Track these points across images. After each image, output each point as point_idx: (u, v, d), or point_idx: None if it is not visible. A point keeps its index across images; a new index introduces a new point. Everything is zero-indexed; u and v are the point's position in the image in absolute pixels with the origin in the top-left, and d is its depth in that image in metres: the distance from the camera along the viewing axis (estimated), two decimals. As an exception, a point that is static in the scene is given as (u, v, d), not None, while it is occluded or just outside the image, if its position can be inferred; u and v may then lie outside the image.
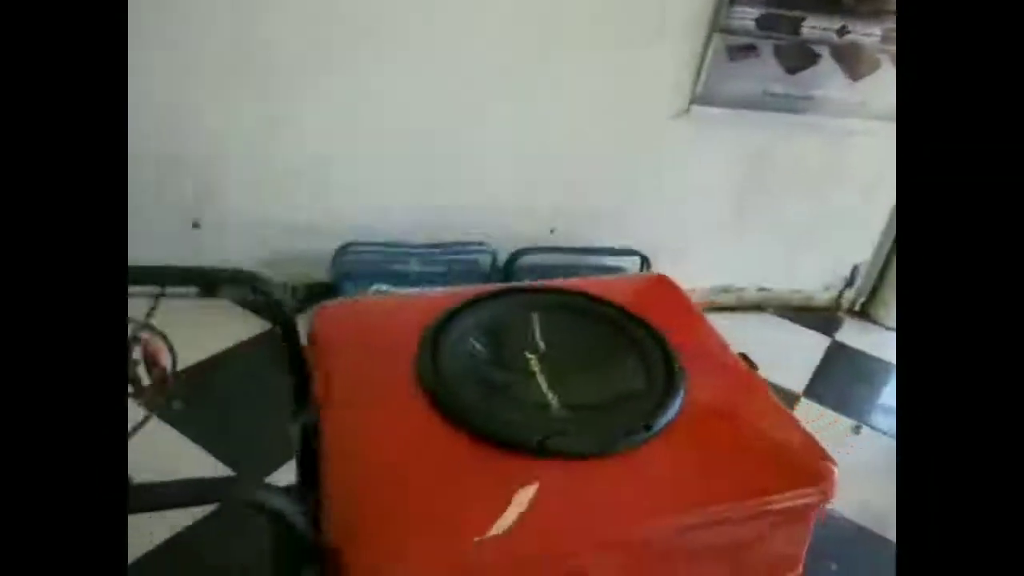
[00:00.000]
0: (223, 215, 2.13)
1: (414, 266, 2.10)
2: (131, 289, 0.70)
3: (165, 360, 1.03)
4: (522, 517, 0.75)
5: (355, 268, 2.07)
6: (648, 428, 0.83)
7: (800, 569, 0.92)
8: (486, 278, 2.17)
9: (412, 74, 1.99)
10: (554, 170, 2.23)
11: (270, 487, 0.72)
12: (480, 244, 2.20)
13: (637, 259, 2.31)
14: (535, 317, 1.01)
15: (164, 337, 1.08)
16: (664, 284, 1.19)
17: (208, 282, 0.91)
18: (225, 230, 2.15)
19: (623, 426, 0.84)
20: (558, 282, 1.11)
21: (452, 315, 0.97)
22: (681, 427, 0.86)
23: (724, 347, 1.04)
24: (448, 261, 2.16)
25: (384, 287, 2.04)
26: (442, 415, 0.84)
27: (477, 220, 2.22)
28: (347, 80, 1.98)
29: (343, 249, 2.07)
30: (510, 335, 0.99)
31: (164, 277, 0.93)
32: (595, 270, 2.28)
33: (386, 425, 0.86)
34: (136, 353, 0.96)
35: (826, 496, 0.85)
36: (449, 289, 1.12)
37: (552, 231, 2.34)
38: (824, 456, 0.87)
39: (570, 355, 0.97)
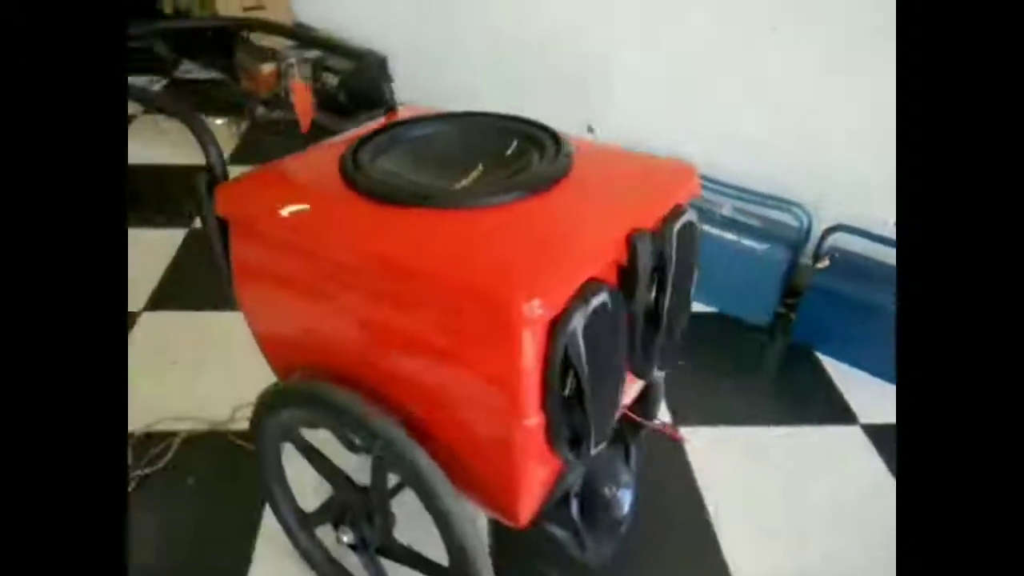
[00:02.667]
0: (612, 124, 2.49)
1: (726, 209, 2.08)
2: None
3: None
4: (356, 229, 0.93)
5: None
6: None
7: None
8: (793, 246, 1.98)
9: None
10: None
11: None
12: (796, 204, 2.00)
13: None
14: (453, 130, 1.15)
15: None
16: (678, 172, 1.08)
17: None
18: (609, 137, 2.51)
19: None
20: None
21: (381, 129, 1.13)
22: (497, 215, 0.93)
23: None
24: (762, 216, 2.05)
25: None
26: (361, 193, 0.98)
27: (804, 181, 2.02)
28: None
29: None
30: (428, 143, 1.13)
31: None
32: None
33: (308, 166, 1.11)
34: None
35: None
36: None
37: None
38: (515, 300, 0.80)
39: (474, 153, 1.08)
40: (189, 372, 1.76)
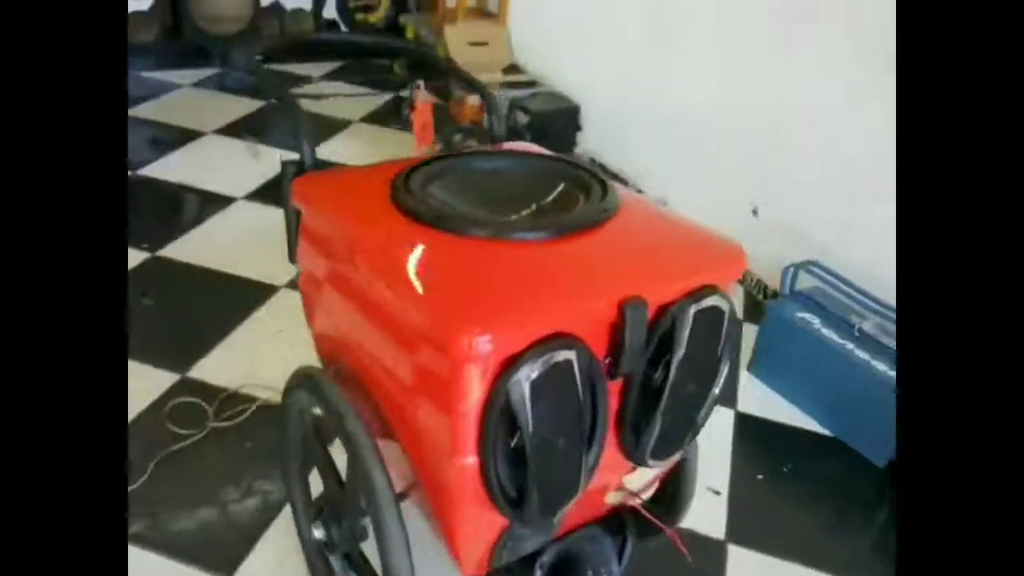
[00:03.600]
0: (775, 207, 2.34)
1: (868, 326, 1.85)
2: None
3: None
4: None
5: (811, 289, 1.99)
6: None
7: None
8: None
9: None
10: None
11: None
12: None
13: None
14: (501, 164, 1.17)
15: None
16: (720, 251, 0.99)
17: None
18: (773, 222, 2.36)
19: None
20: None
21: (423, 161, 1.14)
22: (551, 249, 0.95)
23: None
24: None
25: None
26: (396, 207, 1.01)
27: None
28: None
29: (808, 264, 2.00)
30: (481, 175, 1.15)
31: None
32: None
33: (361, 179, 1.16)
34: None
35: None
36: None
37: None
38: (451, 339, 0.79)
39: (518, 190, 1.08)
40: (289, 347, 1.92)
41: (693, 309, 0.92)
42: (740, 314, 2.32)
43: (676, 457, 1.06)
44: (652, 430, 0.97)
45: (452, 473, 0.87)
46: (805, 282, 2.04)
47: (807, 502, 1.68)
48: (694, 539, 1.52)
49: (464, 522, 0.92)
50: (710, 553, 1.50)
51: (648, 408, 0.96)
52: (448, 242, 0.93)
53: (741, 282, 2.47)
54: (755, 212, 2.42)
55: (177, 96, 3.49)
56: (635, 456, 1.00)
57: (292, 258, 1.23)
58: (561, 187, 1.08)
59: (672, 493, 1.25)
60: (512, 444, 0.86)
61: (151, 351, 1.84)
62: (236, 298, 2.11)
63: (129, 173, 2.74)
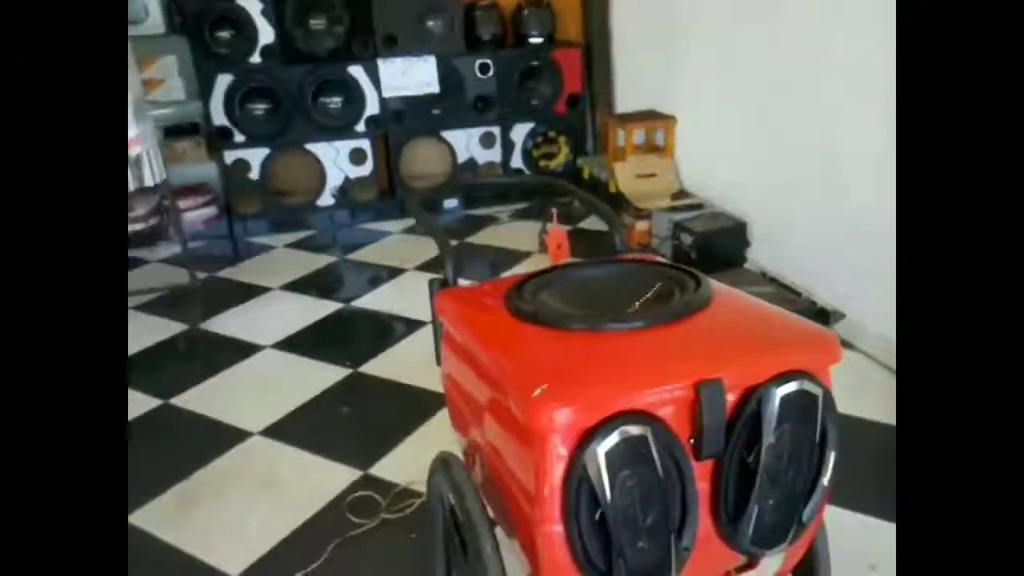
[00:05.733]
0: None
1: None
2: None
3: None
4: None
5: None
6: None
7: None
8: None
9: None
10: None
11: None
12: None
13: None
14: (607, 270, 1.28)
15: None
16: (809, 336, 1.01)
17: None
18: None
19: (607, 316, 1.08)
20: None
21: (540, 272, 1.27)
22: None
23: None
24: None
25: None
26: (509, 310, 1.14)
27: None
28: None
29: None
30: (588, 281, 1.26)
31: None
32: None
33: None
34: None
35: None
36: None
37: None
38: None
39: (620, 290, 1.18)
40: (458, 449, 2.10)
41: (779, 392, 0.95)
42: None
43: (782, 549, 1.04)
44: (748, 516, 0.98)
45: (539, 539, 0.95)
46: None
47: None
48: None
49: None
50: None
51: (744, 493, 0.98)
52: (547, 335, 1.06)
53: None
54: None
55: (389, 241, 4.06)
56: (735, 543, 1.01)
57: (439, 361, 1.43)
58: (658, 285, 1.17)
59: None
60: (597, 516, 0.92)
61: (342, 451, 2.12)
62: (418, 407, 2.35)
63: (344, 305, 3.22)
